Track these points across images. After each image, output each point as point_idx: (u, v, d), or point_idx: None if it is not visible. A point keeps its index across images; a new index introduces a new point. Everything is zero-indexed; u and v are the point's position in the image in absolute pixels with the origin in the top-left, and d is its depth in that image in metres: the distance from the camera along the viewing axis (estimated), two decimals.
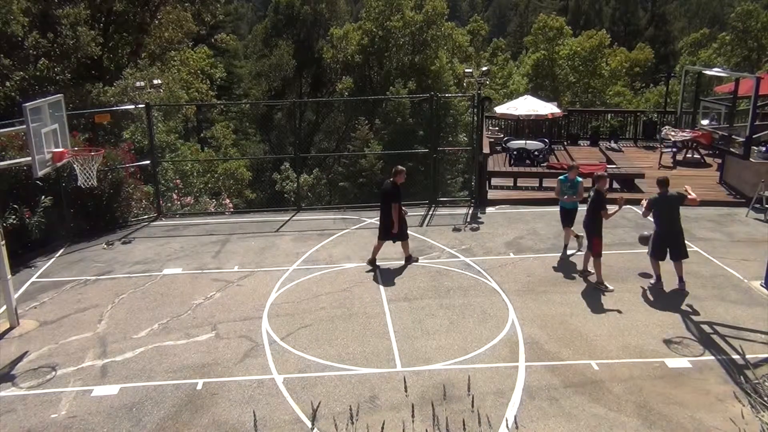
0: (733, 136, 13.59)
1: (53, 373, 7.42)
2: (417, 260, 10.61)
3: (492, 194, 14.50)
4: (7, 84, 16.94)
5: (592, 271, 9.65)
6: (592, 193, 9.52)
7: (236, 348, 7.91)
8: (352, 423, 4.25)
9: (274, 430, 6.35)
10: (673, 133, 16.74)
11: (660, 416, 6.44)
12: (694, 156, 17.34)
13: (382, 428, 4.13)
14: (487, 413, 6.40)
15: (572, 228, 10.73)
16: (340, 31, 35.59)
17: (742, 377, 6.89)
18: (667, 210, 9.18)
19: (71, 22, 18.55)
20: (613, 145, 19.78)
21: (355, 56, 34.21)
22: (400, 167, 10.43)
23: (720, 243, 11.33)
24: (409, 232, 12.16)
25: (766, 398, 5.95)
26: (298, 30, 40.67)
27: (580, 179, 10.67)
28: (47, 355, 7.84)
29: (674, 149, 17.53)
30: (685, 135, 16.44)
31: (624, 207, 13.28)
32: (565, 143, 20.46)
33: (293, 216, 13.75)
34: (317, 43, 39.38)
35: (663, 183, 9.24)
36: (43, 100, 8.70)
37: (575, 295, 9.28)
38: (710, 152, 17.33)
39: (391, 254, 10.99)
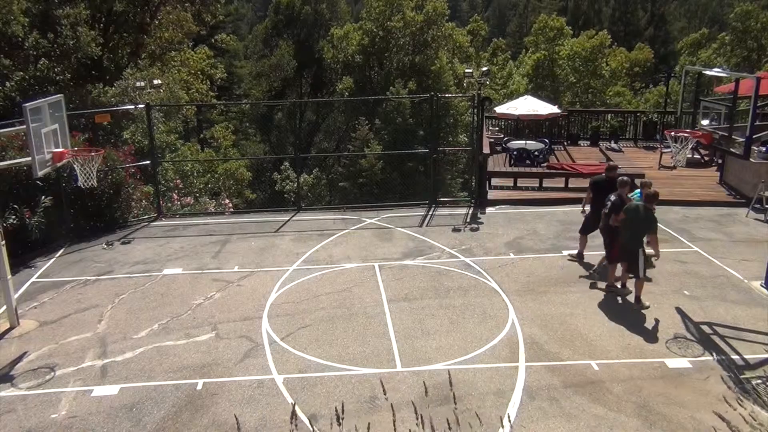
0: (733, 136, 13.58)
1: (53, 373, 7.42)
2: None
3: (492, 194, 14.50)
4: (7, 84, 16.94)
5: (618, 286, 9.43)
6: (613, 197, 9.25)
7: (236, 348, 7.92)
8: (339, 424, 4.25)
9: (274, 430, 6.35)
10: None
11: (660, 416, 6.44)
12: (695, 156, 17.34)
13: (394, 427, 4.12)
14: (487, 413, 6.41)
15: None
16: (340, 31, 35.55)
17: (742, 377, 6.90)
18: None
19: (71, 22, 18.53)
20: (613, 145, 19.78)
21: (355, 56, 34.18)
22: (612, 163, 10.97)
23: (720, 243, 11.33)
24: (408, 232, 12.23)
25: (766, 398, 5.96)
26: (299, 30, 40.65)
27: None
28: (47, 355, 7.85)
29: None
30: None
31: None
32: (565, 143, 20.47)
33: (293, 216, 13.75)
34: (318, 43, 39.35)
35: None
36: (43, 100, 8.70)
37: (575, 295, 9.28)
38: (710, 152, 17.33)
39: (391, 254, 11.00)
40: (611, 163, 10.34)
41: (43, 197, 11.12)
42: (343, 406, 5.28)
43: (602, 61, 41.98)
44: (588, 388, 6.95)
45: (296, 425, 6.34)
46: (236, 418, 6.27)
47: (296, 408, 6.59)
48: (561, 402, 6.71)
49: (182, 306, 9.13)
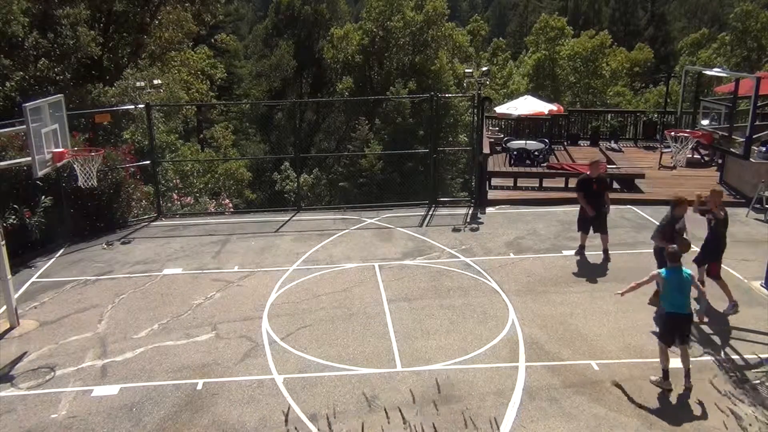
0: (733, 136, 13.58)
1: (53, 373, 7.42)
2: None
3: (492, 194, 14.50)
4: (7, 84, 16.94)
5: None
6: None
7: (236, 348, 7.91)
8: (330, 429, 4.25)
9: (274, 430, 6.35)
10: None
11: (660, 416, 6.44)
12: (695, 156, 17.34)
13: (382, 428, 4.13)
14: (487, 413, 6.41)
15: None
16: (340, 31, 35.57)
17: (741, 377, 6.89)
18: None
19: (71, 22, 18.54)
20: (613, 145, 19.79)
21: (355, 56, 34.21)
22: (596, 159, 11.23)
23: None
24: (408, 232, 12.23)
25: (765, 398, 5.96)
26: (299, 30, 40.66)
27: None
28: (47, 355, 7.85)
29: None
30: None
31: (623, 207, 13.34)
32: (565, 143, 20.47)
33: (293, 216, 13.75)
34: (318, 43, 39.38)
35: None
36: (43, 100, 8.71)
37: (575, 295, 9.27)
38: (710, 153, 17.33)
39: (391, 254, 11.00)
40: (595, 159, 10.42)
41: (43, 197, 11.12)
42: (335, 410, 5.27)
43: (602, 61, 41.99)
44: (588, 388, 6.95)
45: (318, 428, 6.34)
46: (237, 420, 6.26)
47: (296, 408, 6.59)
48: (561, 402, 6.70)
49: (182, 306, 9.13)
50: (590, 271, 10.13)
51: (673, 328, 6.95)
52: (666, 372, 6.90)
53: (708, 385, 6.98)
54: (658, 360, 7.15)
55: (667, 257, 7.07)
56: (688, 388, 6.84)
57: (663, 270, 7.08)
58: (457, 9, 71.20)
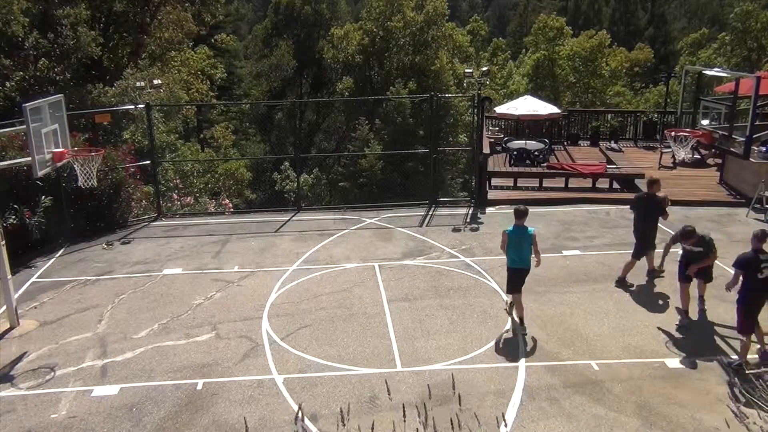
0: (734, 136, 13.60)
1: (53, 373, 7.42)
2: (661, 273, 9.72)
3: (492, 194, 14.50)
4: (7, 84, 16.95)
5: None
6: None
7: (236, 348, 7.92)
8: (343, 424, 4.25)
9: (274, 430, 6.35)
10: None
11: (660, 416, 6.44)
12: (695, 156, 17.34)
13: (394, 427, 4.13)
14: (487, 413, 6.41)
15: None
16: (340, 31, 35.52)
17: (741, 377, 6.89)
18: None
19: (71, 22, 18.55)
20: (613, 145, 19.79)
21: (355, 56, 34.17)
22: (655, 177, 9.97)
23: (720, 243, 11.22)
24: (408, 232, 12.23)
25: (765, 398, 5.96)
26: (299, 30, 40.63)
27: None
28: (47, 355, 7.85)
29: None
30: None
31: (624, 207, 13.31)
32: (565, 143, 20.48)
33: (293, 216, 13.75)
34: (318, 43, 39.34)
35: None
36: (43, 100, 8.71)
37: (575, 295, 9.27)
38: (709, 153, 17.33)
39: (391, 254, 11.00)
40: (653, 176, 9.82)
41: (43, 197, 11.12)
42: (349, 407, 5.28)
43: (602, 61, 42.03)
44: (588, 388, 6.95)
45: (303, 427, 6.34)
46: (244, 420, 6.27)
47: (296, 408, 6.59)
48: (561, 402, 6.71)
49: (182, 306, 9.13)
50: (590, 271, 10.13)
51: (516, 279, 8.04)
52: (514, 303, 8.22)
53: (708, 384, 6.98)
54: (658, 359, 7.18)
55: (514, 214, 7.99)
56: (522, 332, 8.00)
57: (508, 228, 8.01)
58: (457, 9, 71.17)
